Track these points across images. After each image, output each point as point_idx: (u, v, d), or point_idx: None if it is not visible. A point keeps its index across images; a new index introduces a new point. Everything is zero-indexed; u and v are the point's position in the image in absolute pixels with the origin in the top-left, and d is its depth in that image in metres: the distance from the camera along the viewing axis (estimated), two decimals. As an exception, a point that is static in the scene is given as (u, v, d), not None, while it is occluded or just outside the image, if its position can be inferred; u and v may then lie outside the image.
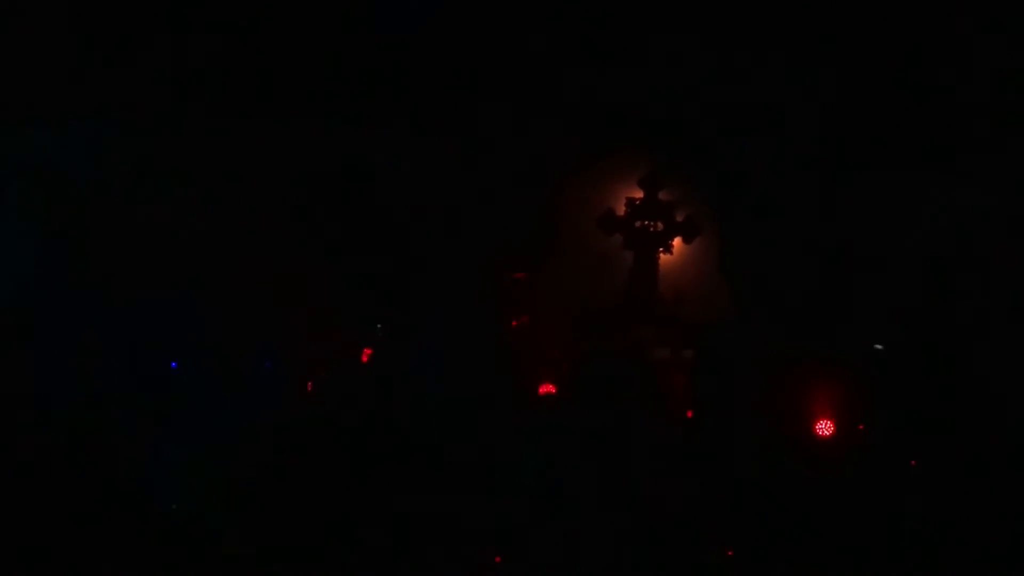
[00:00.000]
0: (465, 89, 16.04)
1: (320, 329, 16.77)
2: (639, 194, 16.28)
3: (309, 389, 15.17)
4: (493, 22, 15.70)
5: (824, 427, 13.72)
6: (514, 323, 15.90)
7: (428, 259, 17.36)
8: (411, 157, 16.95)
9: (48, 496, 12.58)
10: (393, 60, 16.23)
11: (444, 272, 16.59)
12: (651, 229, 16.29)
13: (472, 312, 15.22)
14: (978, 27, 14.29)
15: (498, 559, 12.36)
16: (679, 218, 16.20)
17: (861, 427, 13.33)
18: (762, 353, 14.67)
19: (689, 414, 14.68)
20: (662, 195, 16.25)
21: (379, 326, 15.83)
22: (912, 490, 12.39)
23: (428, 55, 16.03)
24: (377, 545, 12.05)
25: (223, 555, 12.05)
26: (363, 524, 12.33)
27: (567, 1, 15.36)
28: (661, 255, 16.37)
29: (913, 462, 12.60)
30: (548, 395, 14.04)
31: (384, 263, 17.56)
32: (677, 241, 16.28)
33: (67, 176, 16.27)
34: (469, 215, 16.31)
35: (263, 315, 16.36)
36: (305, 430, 13.65)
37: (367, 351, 15.63)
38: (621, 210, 16.36)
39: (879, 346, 14.72)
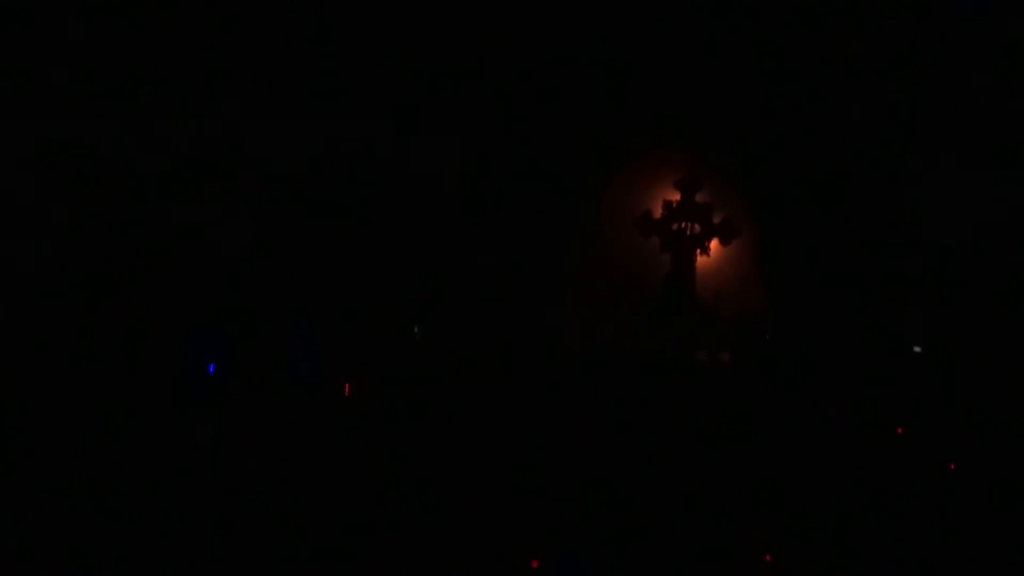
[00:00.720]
0: (502, 91, 16.06)
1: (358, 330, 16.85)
2: (676, 196, 16.27)
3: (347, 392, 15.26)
4: (531, 22, 15.72)
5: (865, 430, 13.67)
6: None
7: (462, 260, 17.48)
8: (451, 158, 17.08)
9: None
10: (433, 58, 16.31)
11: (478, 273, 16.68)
12: (688, 231, 16.27)
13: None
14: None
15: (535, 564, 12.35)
16: (716, 220, 16.16)
17: (900, 430, 13.23)
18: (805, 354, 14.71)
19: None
20: (699, 197, 16.22)
21: (416, 328, 15.88)
22: (951, 491, 12.29)
23: (466, 55, 16.06)
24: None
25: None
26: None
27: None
28: (699, 256, 16.36)
29: (952, 465, 12.50)
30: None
31: (422, 265, 17.73)
32: (714, 243, 16.25)
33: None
34: (505, 219, 16.34)
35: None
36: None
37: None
38: (658, 212, 16.36)
39: (918, 348, 14.64)
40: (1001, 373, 13.97)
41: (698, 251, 16.35)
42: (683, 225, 16.29)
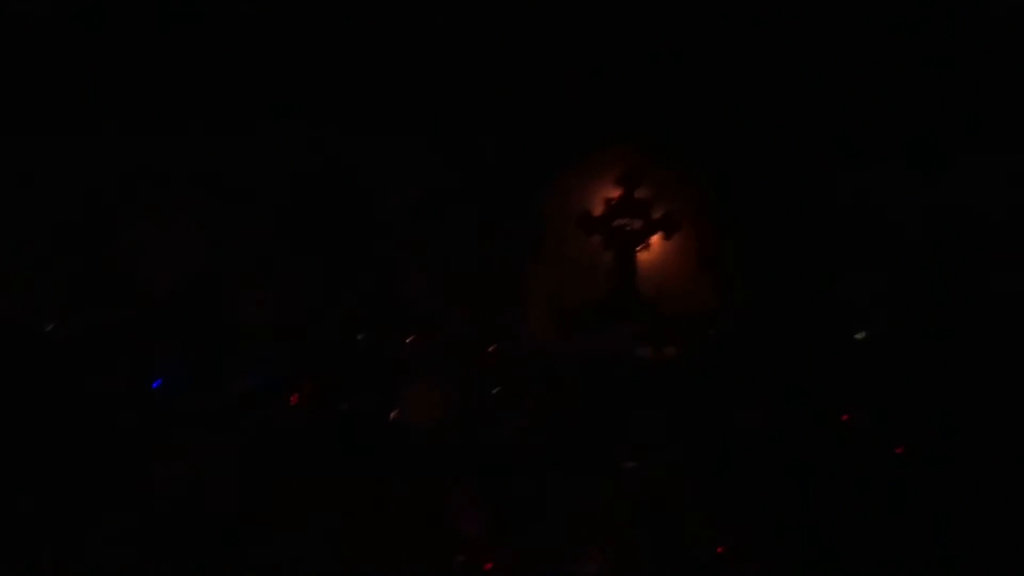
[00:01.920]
0: (444, 91, 16.03)
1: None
2: (616, 193, 16.29)
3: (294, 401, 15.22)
4: (475, 25, 15.70)
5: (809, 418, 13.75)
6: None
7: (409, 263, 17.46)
8: (390, 158, 17.06)
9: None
10: (372, 61, 16.26)
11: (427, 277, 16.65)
12: (629, 228, 16.28)
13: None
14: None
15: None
16: (657, 215, 16.19)
17: (845, 417, 13.33)
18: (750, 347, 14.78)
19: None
20: (639, 193, 16.25)
21: (360, 336, 15.81)
22: (898, 479, 12.39)
23: (408, 57, 16.02)
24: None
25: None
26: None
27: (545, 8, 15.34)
28: (640, 253, 16.39)
29: (899, 449, 12.60)
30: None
31: (370, 268, 17.71)
32: (656, 238, 16.28)
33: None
34: (448, 218, 16.33)
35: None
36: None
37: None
38: (598, 210, 16.37)
39: (860, 335, 14.74)
40: (946, 361, 14.11)
41: (639, 247, 16.39)
42: (624, 222, 16.30)
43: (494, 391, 15.29)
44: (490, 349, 13.65)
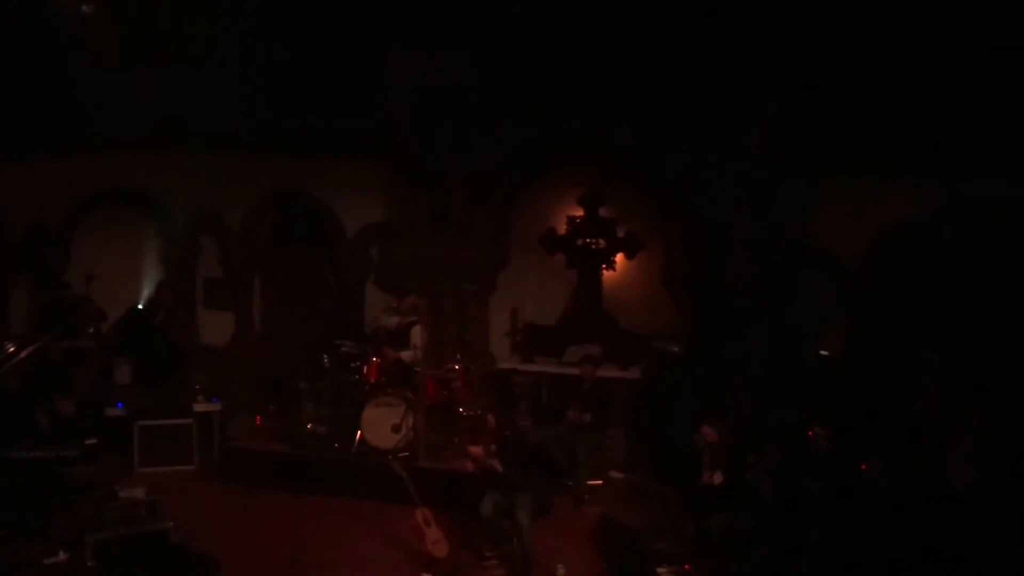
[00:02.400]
0: (406, 112, 16.06)
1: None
2: (580, 212, 16.28)
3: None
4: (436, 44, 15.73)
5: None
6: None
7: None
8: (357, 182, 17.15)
9: None
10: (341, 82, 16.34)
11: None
12: (593, 246, 16.29)
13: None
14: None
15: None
16: (620, 234, 16.19)
17: (811, 433, 13.29)
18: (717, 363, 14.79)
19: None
20: (603, 212, 16.25)
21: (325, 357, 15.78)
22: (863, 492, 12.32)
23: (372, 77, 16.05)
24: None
25: None
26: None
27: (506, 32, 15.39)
28: (604, 271, 16.39)
29: (864, 466, 12.54)
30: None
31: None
32: (619, 257, 16.28)
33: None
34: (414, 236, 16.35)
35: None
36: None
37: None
38: (562, 229, 16.37)
39: (824, 352, 14.76)
40: (903, 377, 14.16)
41: (604, 266, 16.37)
42: (588, 241, 16.30)
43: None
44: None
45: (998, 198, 11.14)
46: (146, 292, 17.90)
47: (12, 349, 14.07)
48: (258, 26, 16.21)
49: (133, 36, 15.26)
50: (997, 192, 11.32)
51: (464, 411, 15.42)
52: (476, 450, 12.66)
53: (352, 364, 15.41)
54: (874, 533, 11.49)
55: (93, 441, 14.16)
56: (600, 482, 14.91)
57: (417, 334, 15.36)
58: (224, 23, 15.81)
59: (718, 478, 12.77)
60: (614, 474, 15.22)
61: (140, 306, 17.84)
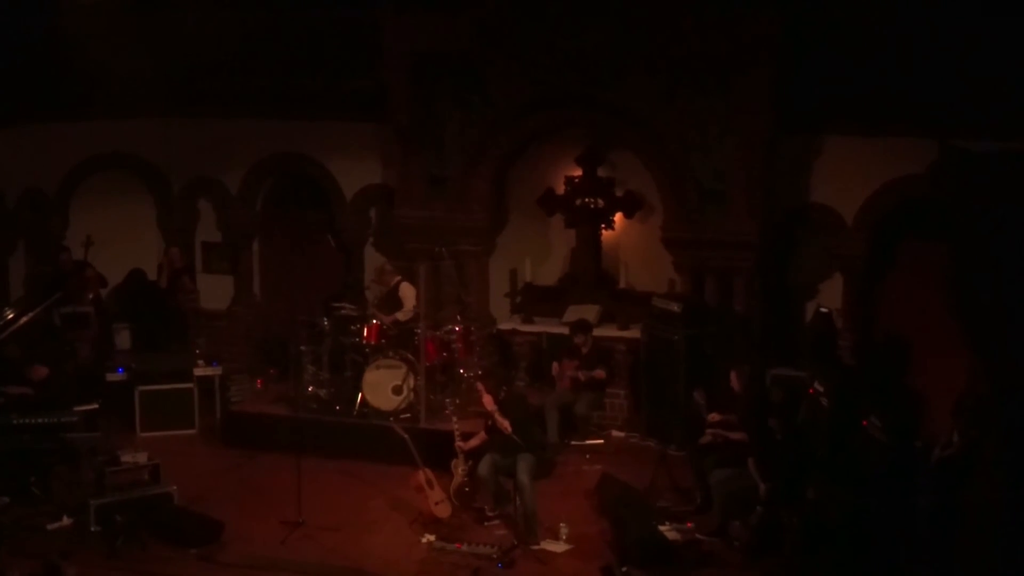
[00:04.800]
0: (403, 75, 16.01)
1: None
2: (578, 172, 16.25)
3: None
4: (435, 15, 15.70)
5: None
6: None
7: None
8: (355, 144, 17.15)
9: None
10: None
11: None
12: (591, 206, 16.26)
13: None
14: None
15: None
16: (619, 193, 16.17)
17: (812, 390, 13.31)
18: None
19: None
20: (601, 172, 16.22)
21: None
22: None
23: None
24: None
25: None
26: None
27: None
28: (603, 231, 16.38)
29: (865, 422, 12.53)
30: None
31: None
32: (619, 216, 16.27)
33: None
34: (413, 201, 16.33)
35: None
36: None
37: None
38: (561, 189, 16.35)
39: (825, 309, 14.77)
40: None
41: (603, 225, 16.36)
42: (586, 200, 16.27)
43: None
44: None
45: (989, 155, 11.10)
46: (145, 257, 17.86)
47: (11, 316, 14.13)
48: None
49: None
50: (988, 150, 11.30)
51: (465, 372, 15.43)
52: (488, 400, 12.71)
53: (352, 327, 15.36)
54: (874, 490, 11.53)
55: (93, 406, 14.33)
56: (601, 441, 15.11)
57: (406, 290, 15.50)
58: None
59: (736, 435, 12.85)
60: (615, 433, 15.42)
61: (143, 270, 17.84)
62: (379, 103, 16.32)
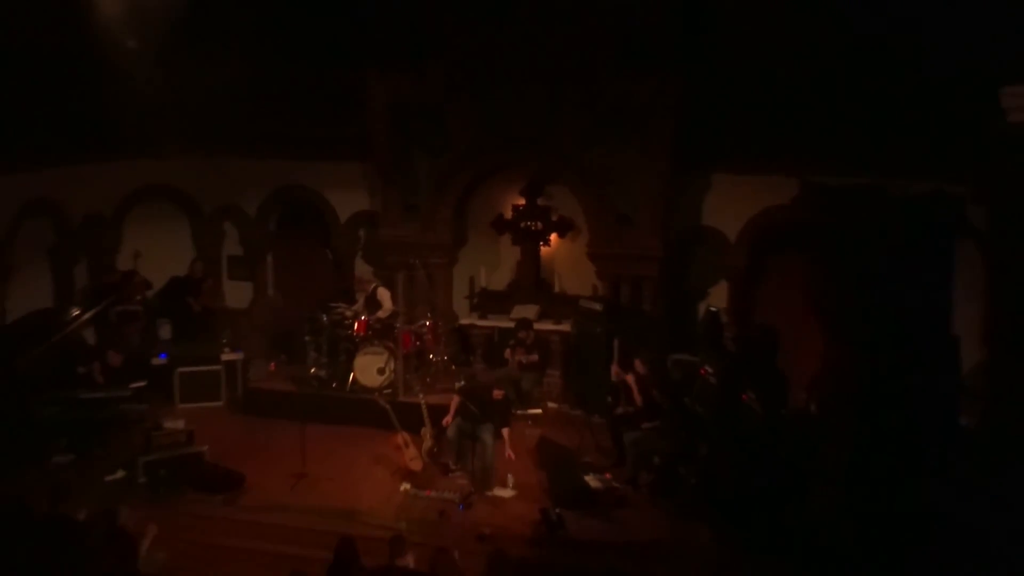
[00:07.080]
0: (383, 123, 15.91)
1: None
2: (522, 201, 16.31)
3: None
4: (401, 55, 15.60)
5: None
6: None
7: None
8: (347, 179, 17.13)
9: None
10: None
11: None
12: (532, 228, 16.29)
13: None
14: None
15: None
16: (555, 218, 16.27)
17: (703, 371, 13.26)
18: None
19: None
20: (540, 201, 16.29)
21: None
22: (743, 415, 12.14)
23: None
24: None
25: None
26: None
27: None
28: (542, 247, 16.47)
29: (744, 396, 12.42)
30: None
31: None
32: (554, 236, 16.36)
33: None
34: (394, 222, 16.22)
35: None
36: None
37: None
38: (509, 214, 16.42)
39: (714, 308, 14.81)
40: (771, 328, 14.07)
41: (541, 243, 16.46)
42: (528, 223, 16.32)
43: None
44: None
45: (840, 188, 11.31)
46: (182, 267, 17.77)
47: (77, 313, 14.12)
48: (264, 53, 16.03)
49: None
50: (839, 183, 11.51)
51: (433, 357, 15.52)
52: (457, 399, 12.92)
53: (345, 322, 15.41)
54: (751, 449, 11.62)
55: (142, 384, 14.30)
56: (540, 411, 15.15)
57: (382, 293, 15.48)
58: (236, 51, 15.64)
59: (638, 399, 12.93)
60: (551, 404, 15.44)
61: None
62: (365, 146, 16.30)
